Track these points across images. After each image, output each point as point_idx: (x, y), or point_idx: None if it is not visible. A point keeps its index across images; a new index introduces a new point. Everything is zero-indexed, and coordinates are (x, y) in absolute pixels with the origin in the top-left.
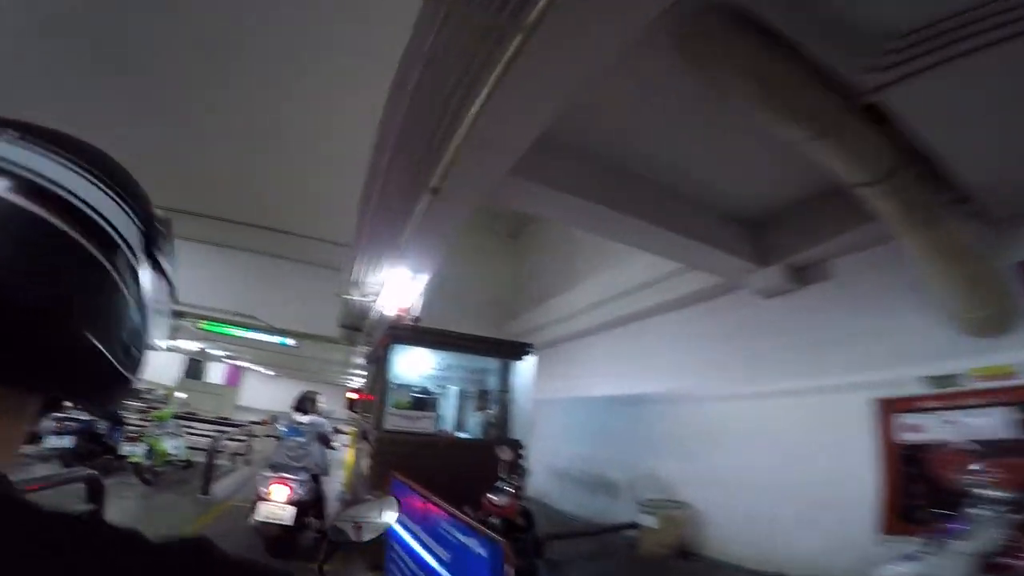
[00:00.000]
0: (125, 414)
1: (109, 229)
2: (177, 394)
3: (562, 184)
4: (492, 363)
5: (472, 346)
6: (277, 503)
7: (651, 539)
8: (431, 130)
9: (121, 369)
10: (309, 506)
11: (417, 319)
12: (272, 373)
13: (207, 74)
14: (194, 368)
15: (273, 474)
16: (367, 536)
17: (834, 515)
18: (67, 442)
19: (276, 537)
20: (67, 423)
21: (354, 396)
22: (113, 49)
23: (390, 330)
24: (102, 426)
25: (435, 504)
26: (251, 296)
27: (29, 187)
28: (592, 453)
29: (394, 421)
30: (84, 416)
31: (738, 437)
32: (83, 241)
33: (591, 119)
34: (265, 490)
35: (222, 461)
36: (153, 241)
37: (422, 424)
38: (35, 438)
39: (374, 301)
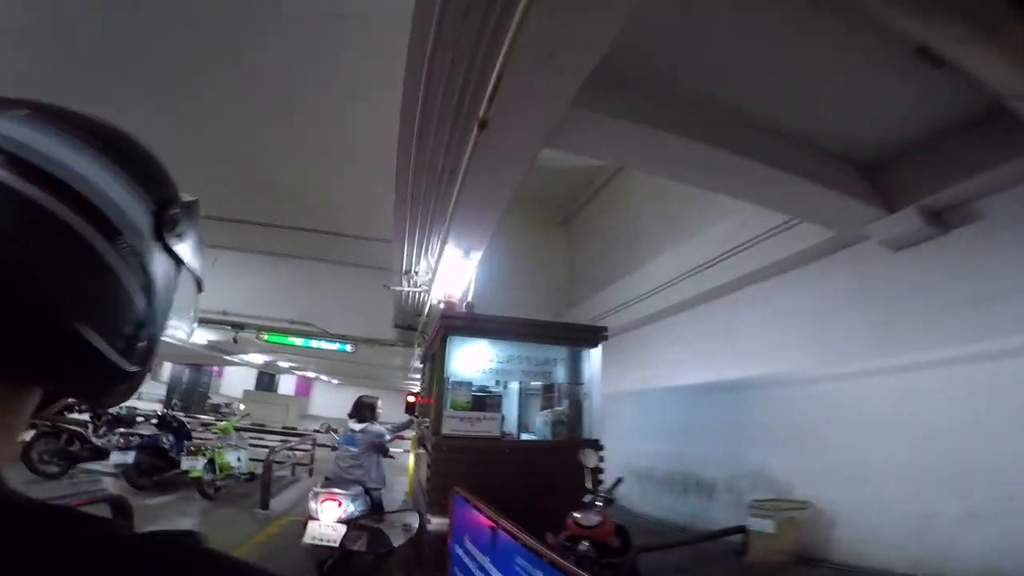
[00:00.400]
0: (191, 428)
1: (111, 213)
2: (240, 406)
3: (640, 117)
4: (560, 352)
5: (537, 333)
6: (326, 523)
7: (765, 545)
8: (471, 45)
9: (121, 362)
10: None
11: (471, 305)
12: (337, 382)
13: (237, 82)
14: (267, 381)
15: (323, 490)
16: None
17: (1012, 507)
18: (130, 458)
19: (326, 560)
20: (130, 438)
21: (411, 399)
22: (144, 62)
23: (444, 320)
24: (167, 440)
25: (509, 532)
26: (306, 303)
27: (22, 165)
28: (679, 450)
29: (453, 425)
30: (147, 431)
31: (870, 421)
32: (79, 225)
33: (668, 44)
34: (314, 508)
35: (283, 472)
36: (168, 226)
37: (485, 426)
38: (101, 454)
39: (426, 291)
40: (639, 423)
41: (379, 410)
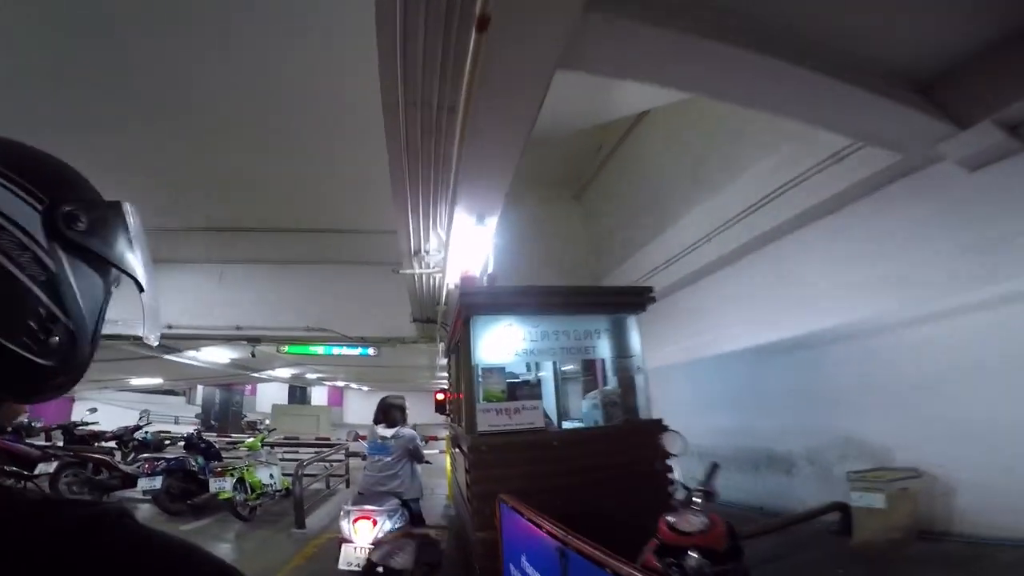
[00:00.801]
0: (219, 447)
1: None
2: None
3: (673, 22)
4: (600, 322)
5: (571, 301)
6: (361, 544)
7: (874, 522)
8: None
9: (31, 356)
10: None
11: (493, 278)
12: (367, 388)
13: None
14: (299, 394)
15: (355, 508)
16: None
17: None
18: (157, 483)
19: None
20: (156, 463)
21: (440, 397)
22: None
23: (463, 299)
24: (195, 463)
25: (585, 553)
26: (321, 309)
27: None
28: (745, 424)
29: (489, 419)
30: (172, 455)
31: (980, 366)
32: None
33: None
34: (347, 529)
35: (318, 485)
36: (64, 223)
37: (526, 417)
38: (132, 481)
39: (439, 272)
40: (692, 398)
41: (407, 411)
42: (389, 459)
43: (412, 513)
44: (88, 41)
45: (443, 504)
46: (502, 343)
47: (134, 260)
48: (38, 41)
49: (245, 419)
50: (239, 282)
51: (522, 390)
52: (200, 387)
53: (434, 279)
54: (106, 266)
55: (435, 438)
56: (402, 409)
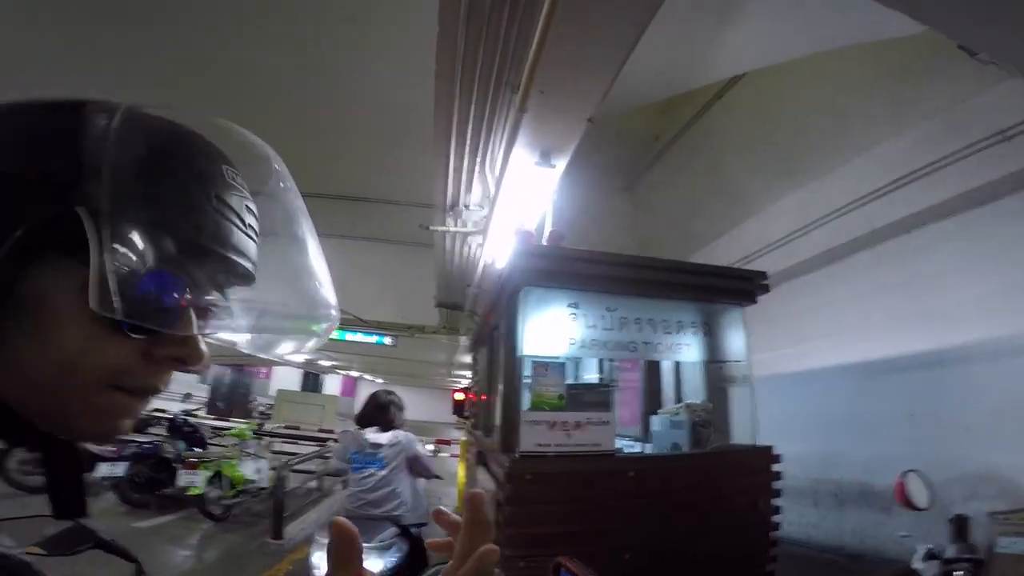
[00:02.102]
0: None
1: None
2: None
3: None
4: (695, 312)
5: (664, 280)
6: None
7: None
8: None
9: None
10: None
11: (559, 235)
12: (381, 381)
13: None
14: (312, 382)
15: None
16: None
17: None
18: (120, 470)
19: None
20: (125, 445)
21: (460, 396)
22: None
23: (517, 260)
24: (172, 449)
25: None
26: (337, 287)
27: None
28: (831, 451)
29: (537, 436)
30: (148, 438)
31: None
32: None
33: None
34: (320, 572)
35: (313, 482)
36: None
37: (591, 436)
38: (88, 464)
39: (479, 234)
40: (766, 419)
41: (401, 410)
42: (384, 472)
43: (412, 541)
44: None
45: None
46: (562, 329)
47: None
48: None
49: (252, 403)
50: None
51: (586, 396)
52: (212, 366)
53: (468, 248)
54: None
55: (446, 442)
56: (399, 408)
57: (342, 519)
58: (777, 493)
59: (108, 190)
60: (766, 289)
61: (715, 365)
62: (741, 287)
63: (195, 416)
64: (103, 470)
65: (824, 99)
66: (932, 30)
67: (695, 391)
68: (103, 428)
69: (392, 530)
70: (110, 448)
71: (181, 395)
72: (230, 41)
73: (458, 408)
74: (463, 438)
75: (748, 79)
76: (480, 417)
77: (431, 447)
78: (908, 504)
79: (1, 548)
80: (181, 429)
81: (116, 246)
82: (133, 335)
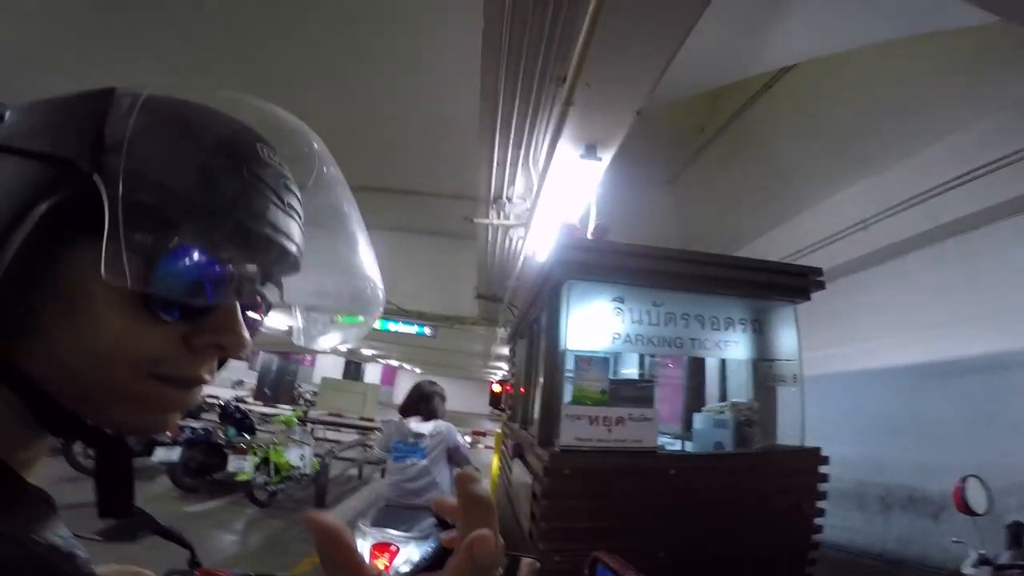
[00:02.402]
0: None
1: None
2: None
3: None
4: (744, 309)
5: (712, 275)
6: None
7: None
8: None
9: None
10: None
11: (604, 229)
12: (419, 371)
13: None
14: (353, 370)
15: (374, 528)
16: None
17: None
18: (175, 455)
19: None
20: (180, 431)
21: (497, 388)
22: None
23: (561, 253)
24: (223, 435)
25: None
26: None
27: None
28: (882, 455)
29: (577, 430)
30: (201, 424)
31: None
32: None
33: None
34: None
35: (353, 470)
36: None
37: (633, 431)
38: (148, 449)
39: (521, 227)
40: (811, 420)
41: (442, 401)
42: (424, 462)
43: (449, 529)
44: None
45: None
46: (606, 324)
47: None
48: None
49: (297, 390)
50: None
51: (628, 392)
52: (261, 353)
53: (510, 241)
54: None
55: (482, 433)
56: (443, 398)
57: (315, 515)
58: (822, 496)
59: (127, 162)
60: (821, 286)
61: (763, 363)
62: (795, 283)
63: (244, 402)
64: (159, 455)
65: (884, 90)
66: (1004, 21)
67: (741, 389)
68: (146, 420)
69: (431, 520)
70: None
71: (232, 381)
72: (280, 35)
73: (495, 400)
74: (497, 430)
75: (799, 69)
76: (517, 409)
77: (468, 439)
78: (966, 509)
79: (53, 538)
80: (232, 415)
81: (139, 220)
82: (168, 319)
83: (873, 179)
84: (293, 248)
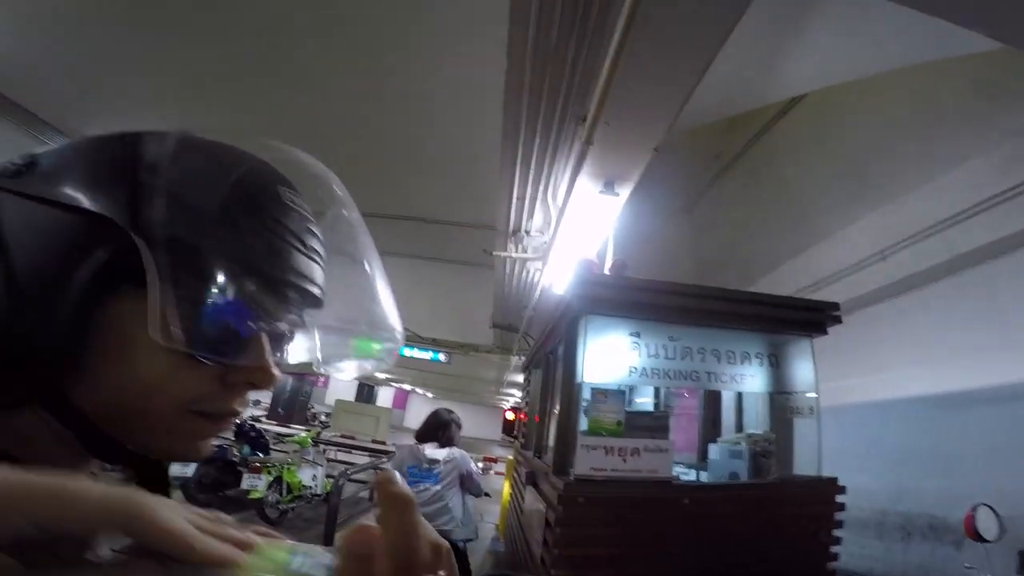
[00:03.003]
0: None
1: None
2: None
3: None
4: (760, 343)
5: (729, 311)
6: None
7: None
8: None
9: None
10: None
11: (622, 264)
12: (432, 395)
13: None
14: (366, 393)
15: None
16: None
17: None
18: (189, 471)
19: None
20: None
21: (511, 416)
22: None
23: (579, 288)
24: (239, 452)
25: None
26: (398, 304)
27: None
28: (896, 484)
29: (593, 460)
30: (215, 442)
31: None
32: None
33: None
34: None
35: (364, 492)
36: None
37: (648, 462)
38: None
39: (539, 260)
40: (830, 451)
41: (458, 429)
42: (438, 488)
43: (460, 556)
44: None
45: (490, 536)
46: (623, 357)
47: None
48: None
49: (311, 410)
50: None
51: (643, 423)
52: None
53: (527, 273)
54: (67, 215)
55: (494, 460)
56: (458, 426)
57: (387, 479)
58: (839, 524)
59: (162, 218)
60: (838, 320)
61: (780, 396)
62: (812, 318)
63: (260, 422)
64: (174, 470)
65: (900, 116)
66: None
67: (757, 420)
68: (184, 449)
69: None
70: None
71: (249, 400)
72: (305, 66)
73: (508, 427)
74: (509, 456)
75: (814, 95)
76: (531, 438)
77: (480, 464)
78: (976, 536)
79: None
80: (247, 434)
81: (177, 275)
82: (208, 362)
83: (890, 207)
84: (316, 291)
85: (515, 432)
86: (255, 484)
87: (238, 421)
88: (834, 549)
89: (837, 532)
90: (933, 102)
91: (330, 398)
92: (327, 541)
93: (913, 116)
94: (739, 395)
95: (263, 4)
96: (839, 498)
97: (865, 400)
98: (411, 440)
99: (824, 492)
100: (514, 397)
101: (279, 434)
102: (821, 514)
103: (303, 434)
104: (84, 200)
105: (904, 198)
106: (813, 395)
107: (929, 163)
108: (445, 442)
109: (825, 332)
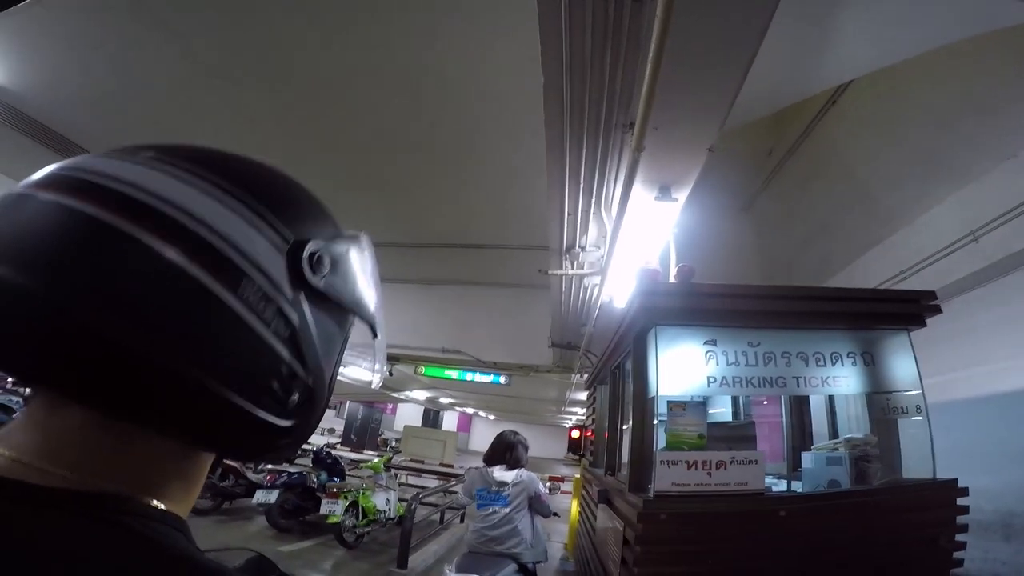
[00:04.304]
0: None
1: (230, 255)
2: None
3: None
4: (851, 341)
5: (809, 310)
6: None
7: None
8: None
9: (268, 417)
10: None
11: (689, 270)
12: (493, 417)
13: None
14: (432, 417)
15: (459, 575)
16: None
17: None
18: (273, 497)
19: None
20: (278, 476)
21: (576, 434)
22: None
23: (644, 300)
24: (317, 479)
25: None
26: (458, 331)
27: (128, 205)
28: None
29: (674, 476)
30: (294, 469)
31: None
32: (189, 268)
33: None
34: None
35: (434, 516)
36: (309, 268)
37: (737, 475)
38: (249, 491)
39: (596, 275)
40: (938, 452)
41: (524, 451)
42: (507, 510)
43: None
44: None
45: (559, 557)
46: (697, 367)
47: (371, 302)
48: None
49: (381, 436)
50: (383, 300)
51: (725, 433)
52: (348, 402)
53: (585, 289)
54: (346, 314)
55: (560, 479)
56: (525, 447)
57: None
58: (963, 528)
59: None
60: (937, 310)
61: (879, 396)
62: (907, 310)
63: (335, 448)
64: (259, 497)
65: (961, 91)
66: None
67: (853, 423)
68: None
69: (512, 567)
70: (266, 477)
71: (323, 429)
72: (357, 101)
73: (574, 445)
74: (576, 475)
75: (863, 79)
76: (600, 455)
77: (548, 484)
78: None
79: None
80: (324, 460)
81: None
82: None
83: (972, 187)
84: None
85: (581, 450)
86: (333, 509)
87: (315, 449)
88: (958, 555)
89: (961, 537)
90: (995, 73)
91: (398, 424)
92: (401, 564)
93: (976, 89)
94: (830, 398)
95: (314, 54)
96: (961, 500)
97: (971, 395)
98: (478, 462)
99: (942, 495)
100: (577, 415)
101: (353, 460)
102: (940, 519)
103: (375, 459)
104: (366, 308)
105: (986, 176)
106: (918, 392)
107: (1009, 136)
108: (512, 464)
109: (924, 324)
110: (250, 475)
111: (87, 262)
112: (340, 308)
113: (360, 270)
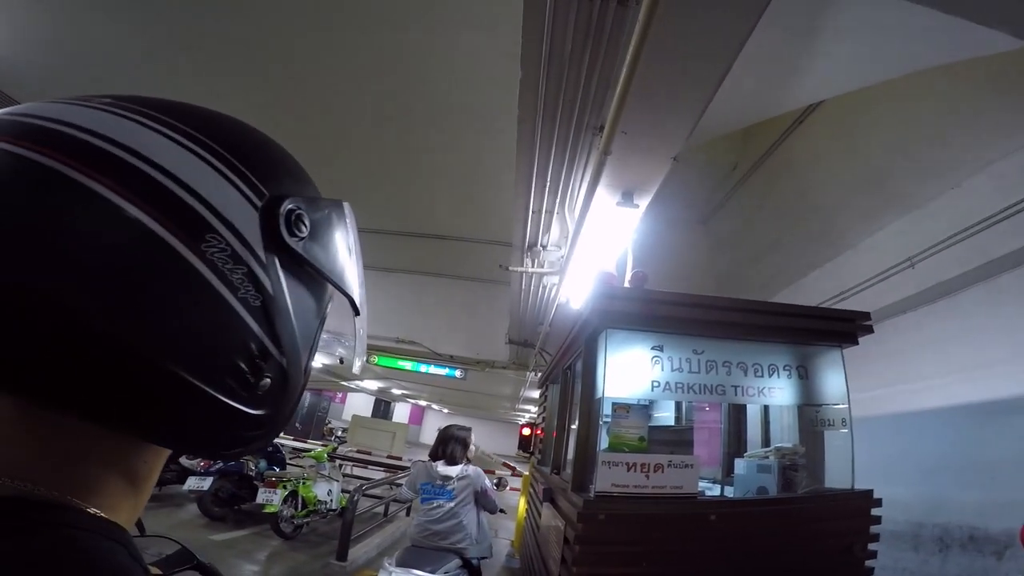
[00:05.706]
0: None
1: (193, 204)
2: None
3: None
4: (788, 354)
5: (755, 323)
6: None
7: None
8: None
9: (239, 405)
10: None
11: (642, 276)
12: (447, 411)
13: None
14: (383, 409)
15: (399, 569)
16: None
17: None
18: (207, 484)
19: None
20: (213, 462)
21: (527, 432)
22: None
23: (598, 302)
24: (254, 467)
25: None
26: (414, 321)
27: (81, 151)
28: (932, 495)
29: (614, 476)
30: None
31: None
32: (144, 217)
33: None
34: None
35: (378, 508)
36: (286, 227)
37: (673, 478)
38: (181, 477)
39: (555, 275)
40: (861, 463)
41: (473, 445)
42: (451, 504)
43: (473, 572)
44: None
45: (505, 553)
46: (644, 372)
47: (353, 277)
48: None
49: (328, 425)
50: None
51: (665, 438)
52: None
53: (544, 288)
54: (325, 286)
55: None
56: (466, 444)
57: None
58: (875, 538)
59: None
60: (870, 330)
61: (810, 408)
62: (841, 328)
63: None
64: (191, 483)
65: (919, 120)
66: None
67: (784, 433)
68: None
69: (456, 562)
70: (199, 463)
71: None
72: (325, 81)
73: (525, 443)
74: (525, 472)
75: (829, 103)
76: (548, 454)
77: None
78: None
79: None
80: (264, 448)
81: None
82: None
83: (916, 214)
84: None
85: (531, 448)
86: (270, 498)
87: None
88: (869, 563)
89: (873, 546)
90: (955, 105)
91: (347, 413)
92: (341, 557)
93: (935, 120)
94: (765, 408)
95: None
96: (875, 511)
97: (897, 410)
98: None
99: (859, 505)
100: (530, 413)
101: (296, 449)
102: (856, 528)
103: (319, 449)
104: (349, 280)
105: (930, 204)
106: (844, 407)
107: (955, 167)
108: (454, 459)
109: (856, 342)
110: (183, 460)
111: (13, 210)
112: (318, 279)
113: (342, 238)
